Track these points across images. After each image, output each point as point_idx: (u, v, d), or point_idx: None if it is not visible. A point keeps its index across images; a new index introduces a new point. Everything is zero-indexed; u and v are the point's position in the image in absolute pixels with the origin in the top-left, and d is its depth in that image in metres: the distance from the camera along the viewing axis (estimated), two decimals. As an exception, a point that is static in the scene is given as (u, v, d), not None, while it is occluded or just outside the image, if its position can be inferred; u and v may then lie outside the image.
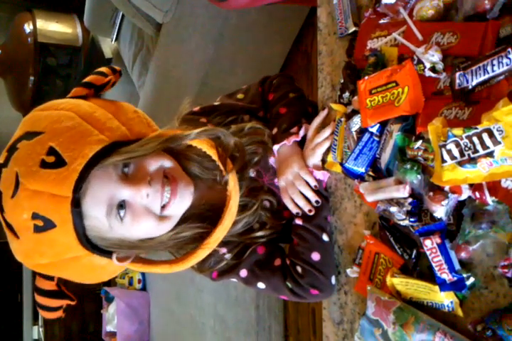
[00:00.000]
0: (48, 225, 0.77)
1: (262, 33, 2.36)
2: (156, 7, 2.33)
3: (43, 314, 0.93)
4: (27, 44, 3.82)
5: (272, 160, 1.05)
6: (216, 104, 1.11)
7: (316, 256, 0.97)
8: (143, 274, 3.36)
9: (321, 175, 1.00)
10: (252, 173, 1.04)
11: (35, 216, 0.77)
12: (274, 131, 1.04)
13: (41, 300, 0.91)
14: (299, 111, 1.06)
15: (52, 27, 3.96)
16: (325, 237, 0.99)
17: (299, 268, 0.97)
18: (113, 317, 3.24)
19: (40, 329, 4.11)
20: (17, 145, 0.80)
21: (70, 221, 0.77)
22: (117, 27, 3.13)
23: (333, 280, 0.99)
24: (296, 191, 0.99)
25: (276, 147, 1.02)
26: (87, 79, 0.92)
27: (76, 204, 0.77)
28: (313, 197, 0.99)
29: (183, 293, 2.81)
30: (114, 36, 3.21)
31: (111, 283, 3.77)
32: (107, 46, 3.57)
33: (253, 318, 2.29)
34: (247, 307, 2.31)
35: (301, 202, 0.99)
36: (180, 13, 2.30)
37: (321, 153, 0.99)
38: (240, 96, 1.14)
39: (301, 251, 0.98)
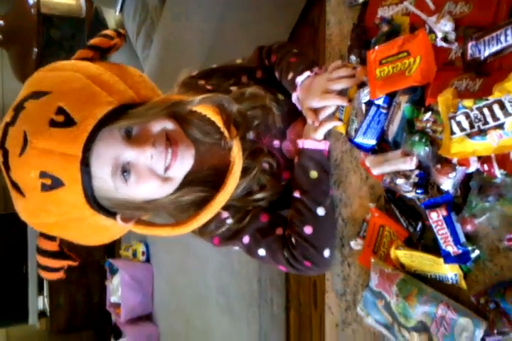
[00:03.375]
0: (56, 184, 0.78)
1: (268, 5, 2.31)
2: (160, -23, 2.29)
3: (43, 274, 0.93)
4: (30, 15, 3.76)
5: (294, 97, 1.01)
6: (213, 66, 1.13)
7: (308, 230, 0.97)
8: (146, 246, 3.38)
9: (323, 144, 0.99)
10: (251, 135, 1.03)
11: (43, 174, 0.77)
12: (290, 75, 1.02)
13: (43, 260, 0.92)
14: (310, 59, 1.06)
15: (56, -3, 3.90)
16: (320, 211, 0.98)
17: (293, 240, 0.98)
18: (117, 289, 3.28)
19: (45, 300, 4.17)
20: (24, 104, 0.80)
21: (79, 180, 0.78)
22: (122, -2, 3.08)
23: (327, 254, 0.98)
24: (337, 79, 0.93)
25: (300, 78, 0.99)
26: (92, 41, 0.92)
27: (86, 163, 0.78)
28: (348, 83, 0.92)
29: (187, 265, 2.83)
30: (119, 7, 3.15)
31: (115, 255, 3.81)
32: (111, 18, 3.51)
33: (255, 291, 2.32)
34: (250, 279, 2.33)
35: (345, 80, 0.92)
36: (186, -16, 2.26)
37: (324, 132, 0.98)
38: (238, 61, 1.16)
39: (296, 223, 0.99)
